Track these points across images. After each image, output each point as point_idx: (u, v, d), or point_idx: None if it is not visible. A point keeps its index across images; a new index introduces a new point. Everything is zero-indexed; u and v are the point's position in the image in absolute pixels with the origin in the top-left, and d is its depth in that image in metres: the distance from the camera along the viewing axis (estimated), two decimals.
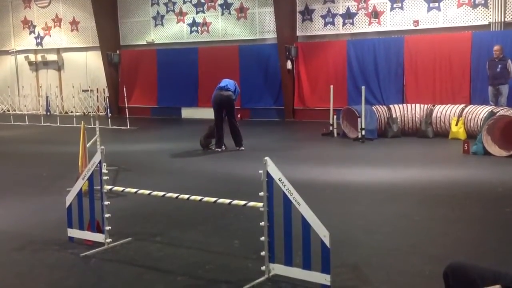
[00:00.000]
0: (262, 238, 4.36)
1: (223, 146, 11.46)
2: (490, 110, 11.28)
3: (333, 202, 7.00)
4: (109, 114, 17.37)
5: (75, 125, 15.80)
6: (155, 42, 20.36)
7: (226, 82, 11.63)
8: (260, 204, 4.37)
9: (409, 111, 13.05)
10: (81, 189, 5.37)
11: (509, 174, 8.37)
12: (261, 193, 4.34)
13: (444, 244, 5.21)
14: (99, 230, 5.25)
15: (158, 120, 19.21)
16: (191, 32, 19.64)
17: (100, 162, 5.17)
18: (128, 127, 16.20)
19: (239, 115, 18.25)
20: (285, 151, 11.20)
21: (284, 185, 4.25)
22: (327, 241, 4.06)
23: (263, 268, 4.37)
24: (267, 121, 17.40)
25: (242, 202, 4.56)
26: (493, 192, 7.29)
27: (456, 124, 12.08)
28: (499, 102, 12.84)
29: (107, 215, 5.18)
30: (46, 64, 23.28)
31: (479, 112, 11.75)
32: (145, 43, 20.57)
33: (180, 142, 13.28)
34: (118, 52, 20.76)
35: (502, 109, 11.06)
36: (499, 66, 12.92)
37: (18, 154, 12.07)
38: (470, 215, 6.33)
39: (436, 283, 2.83)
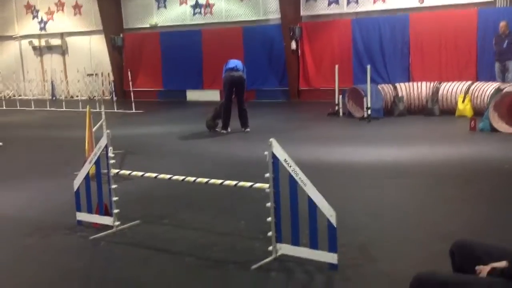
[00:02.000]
0: (269, 219, 4.38)
1: (228, 129, 11.43)
2: (497, 86, 11.21)
3: (339, 181, 7.01)
4: (115, 98, 17.37)
5: (81, 110, 15.82)
6: (159, 25, 20.26)
7: (234, 63, 11.53)
8: (266, 185, 4.39)
9: (415, 89, 12.99)
10: (88, 173, 5.39)
11: None
12: (267, 175, 4.35)
13: (451, 222, 5.21)
14: (107, 213, 5.29)
15: (164, 103, 19.21)
16: (194, 14, 19.52)
17: (106, 146, 5.19)
18: (134, 111, 16.22)
19: (244, 97, 18.28)
20: (290, 132, 11.18)
21: (290, 166, 4.26)
22: (333, 221, 4.08)
23: (270, 248, 4.40)
24: (273, 102, 17.36)
25: (248, 184, 4.57)
26: (500, 169, 7.28)
27: (463, 101, 12.02)
28: (506, 78, 12.74)
29: (114, 198, 5.21)
30: (50, 48, 23.26)
31: (486, 88, 11.68)
32: (148, 26, 20.48)
33: (186, 124, 13.29)
34: (121, 35, 20.69)
35: (509, 85, 10.99)
36: (506, 42, 12.81)
37: (25, 139, 12.12)
38: (477, 192, 6.32)
39: (443, 260, 2.84)
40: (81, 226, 5.41)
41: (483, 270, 2.43)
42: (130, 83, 17.39)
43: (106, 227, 5.25)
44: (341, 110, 13.29)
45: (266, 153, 4.34)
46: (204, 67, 19.14)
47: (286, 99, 17.72)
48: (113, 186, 5.21)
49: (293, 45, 17.23)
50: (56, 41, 22.89)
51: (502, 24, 12.89)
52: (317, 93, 16.87)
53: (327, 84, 15.85)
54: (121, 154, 8.95)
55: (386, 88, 13.08)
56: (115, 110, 16.05)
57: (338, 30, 16.57)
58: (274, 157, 4.32)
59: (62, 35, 22.81)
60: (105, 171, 5.31)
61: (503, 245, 2.70)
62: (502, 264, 2.44)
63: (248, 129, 11.50)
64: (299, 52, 17.40)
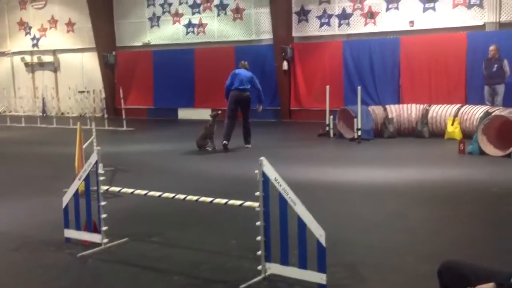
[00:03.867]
0: (259, 238, 4.37)
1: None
2: (486, 110, 11.32)
3: (329, 202, 7.02)
4: (106, 115, 17.36)
5: (71, 126, 15.79)
6: (151, 43, 20.36)
7: (242, 78, 11.54)
8: (256, 204, 4.39)
9: (405, 111, 13.09)
10: (77, 189, 5.37)
11: (504, 174, 8.41)
12: (257, 193, 4.36)
13: (439, 243, 5.23)
14: (96, 230, 5.26)
15: (155, 121, 19.21)
16: (187, 33, 19.66)
17: (96, 163, 5.18)
18: (125, 128, 16.20)
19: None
20: (281, 152, 11.20)
21: (280, 185, 4.27)
22: (322, 241, 4.08)
23: (259, 267, 4.38)
24: (264, 122, 17.35)
25: (238, 202, 4.57)
26: (488, 192, 7.32)
27: (452, 124, 12.13)
28: (495, 101, 12.89)
29: (103, 216, 5.18)
30: (42, 65, 23.27)
31: (475, 112, 11.80)
32: (141, 44, 20.57)
33: (177, 143, 13.28)
34: (114, 53, 20.76)
35: (497, 109, 11.11)
36: (495, 66, 12.98)
37: (15, 155, 12.06)
38: (465, 214, 6.36)
39: (431, 281, 2.86)
40: (69, 243, 5.37)
41: None
42: (122, 100, 17.40)
43: (94, 244, 5.21)
44: (331, 131, 13.35)
45: (256, 171, 4.35)
46: (196, 86, 19.23)
47: (278, 119, 17.79)
48: (102, 203, 5.19)
49: (285, 65, 17.37)
50: (48, 58, 22.93)
51: (492, 48, 13.08)
52: (308, 114, 16.96)
53: (318, 105, 15.93)
54: (111, 171, 8.92)
55: (376, 110, 13.18)
56: (106, 128, 16.02)
57: (330, 51, 16.74)
58: (264, 176, 4.33)
59: (54, 52, 22.85)
60: (95, 188, 5.29)
61: (490, 266, 2.71)
62: (489, 286, 2.45)
63: (249, 146, 11.71)
64: (291, 72, 17.52)
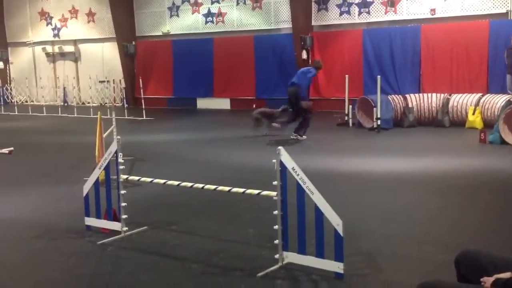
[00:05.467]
0: (276, 227, 4.40)
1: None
2: (507, 99, 11.16)
3: (348, 191, 7.01)
4: (126, 105, 17.50)
5: (92, 116, 15.96)
6: (171, 33, 20.42)
7: (296, 75, 11.70)
8: (274, 193, 4.41)
9: (425, 101, 12.98)
10: (97, 178, 5.44)
11: None
12: (275, 182, 4.38)
13: (458, 233, 5.20)
14: (116, 218, 5.33)
15: (174, 110, 19.30)
16: (207, 22, 19.66)
17: (116, 152, 5.24)
18: (144, 118, 16.32)
19: (254, 105, 18.34)
20: (300, 141, 11.20)
21: (298, 175, 4.28)
22: (340, 230, 4.09)
23: (276, 256, 4.41)
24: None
25: (256, 191, 4.60)
26: (508, 182, 7.24)
27: (473, 113, 11.98)
28: None
29: (123, 204, 5.25)
30: (63, 55, 23.49)
31: (497, 101, 11.65)
32: (160, 34, 20.64)
33: (196, 132, 13.36)
34: (134, 43, 20.86)
35: None
36: None
37: (36, 144, 12.24)
38: (485, 204, 6.30)
39: (448, 271, 2.85)
40: (90, 231, 5.45)
41: (487, 281, 2.43)
42: (141, 90, 17.52)
43: (114, 232, 5.29)
44: (350, 120, 13.29)
45: (274, 161, 4.37)
46: (215, 76, 19.25)
47: None
48: (122, 192, 5.26)
49: (304, 54, 17.28)
50: (69, 48, 23.13)
51: None
52: (327, 103, 16.87)
53: (338, 94, 15.86)
54: (130, 161, 9.01)
55: (396, 99, 13.07)
56: (126, 117, 16.16)
57: (349, 40, 16.61)
58: (282, 165, 4.34)
59: (75, 42, 23.05)
60: (115, 177, 5.36)
61: (508, 256, 2.69)
62: (507, 275, 2.44)
63: (294, 137, 11.52)
64: (310, 61, 17.42)
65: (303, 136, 11.47)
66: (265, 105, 18.20)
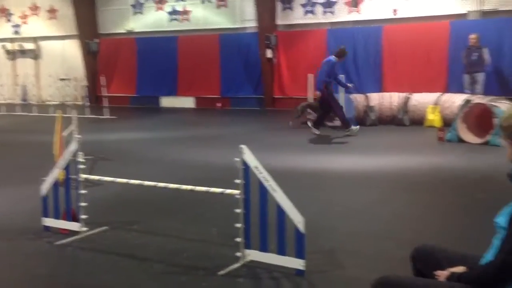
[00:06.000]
0: (238, 225, 4.40)
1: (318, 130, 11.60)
2: (466, 98, 11.42)
3: (311, 189, 7.06)
4: (87, 103, 17.22)
5: (52, 115, 15.62)
6: (135, 31, 20.18)
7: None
8: (237, 192, 4.41)
9: (386, 100, 13.16)
10: (57, 178, 5.33)
11: (482, 161, 8.51)
12: (238, 181, 4.37)
13: (417, 229, 5.30)
14: (75, 219, 5.24)
15: (137, 109, 19.10)
16: (171, 20, 19.51)
17: (76, 151, 5.15)
18: (107, 116, 16.09)
19: (219, 104, 18.31)
20: (264, 140, 11.22)
21: (260, 173, 4.28)
22: (301, 227, 4.12)
23: (238, 254, 4.41)
24: (247, 110, 17.41)
25: (219, 190, 4.59)
26: (466, 178, 7.42)
27: (433, 112, 12.23)
28: (475, 90, 13.01)
29: (83, 204, 5.16)
30: (23, 52, 22.94)
31: (455, 100, 11.91)
32: (124, 31, 20.38)
33: (159, 131, 13.24)
34: (96, 40, 20.54)
35: (477, 97, 11.22)
36: (475, 54, 13.10)
37: None
38: (443, 201, 6.44)
39: (406, 266, 2.89)
40: (48, 231, 5.34)
41: (442, 275, 2.49)
42: (104, 88, 17.26)
43: (73, 233, 5.19)
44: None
45: (237, 159, 4.36)
46: (179, 74, 19.13)
47: (261, 107, 17.78)
48: (82, 192, 5.17)
49: (269, 53, 17.33)
50: (29, 45, 22.61)
51: (473, 36, 13.19)
52: (291, 102, 16.92)
53: (302, 93, 15.94)
54: (92, 160, 8.85)
55: (358, 98, 13.22)
56: (88, 116, 15.90)
57: (314, 40, 16.73)
58: (244, 163, 4.35)
59: (35, 39, 22.53)
60: (75, 176, 5.26)
61: (462, 251, 2.76)
62: (460, 269, 2.49)
63: (311, 127, 11.64)
64: (275, 60, 17.50)
65: (317, 131, 11.50)
66: (229, 104, 18.28)
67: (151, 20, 19.85)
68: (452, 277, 2.44)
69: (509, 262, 2.23)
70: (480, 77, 13.10)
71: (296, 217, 4.14)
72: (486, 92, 12.88)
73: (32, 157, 9.82)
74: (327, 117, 11.89)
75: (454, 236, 5.08)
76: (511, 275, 2.24)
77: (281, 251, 4.23)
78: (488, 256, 2.39)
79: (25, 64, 22.98)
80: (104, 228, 5.39)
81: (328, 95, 11.27)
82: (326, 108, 11.47)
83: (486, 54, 13.05)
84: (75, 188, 5.23)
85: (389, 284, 2.46)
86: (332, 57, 11.55)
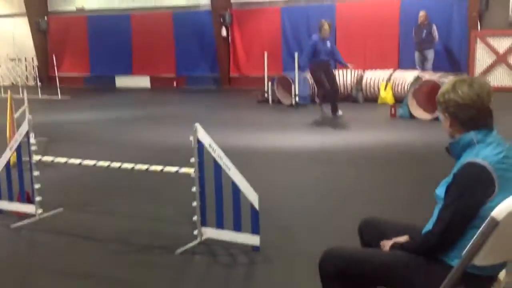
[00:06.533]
0: (195, 203, 4.46)
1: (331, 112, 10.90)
2: (416, 75, 11.74)
3: (266, 167, 7.18)
4: (39, 84, 16.80)
5: (2, 95, 15.20)
6: (85, 9, 19.69)
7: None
8: (191, 170, 4.46)
9: (340, 77, 13.35)
10: (9, 160, 5.26)
11: (431, 136, 8.79)
12: (192, 159, 4.42)
13: (368, 203, 5.48)
14: (30, 201, 5.20)
15: (92, 89, 18.74)
16: None
17: (28, 132, 5.08)
18: (60, 97, 15.75)
19: (174, 83, 18.17)
20: (220, 118, 11.26)
21: (214, 151, 4.34)
22: (256, 204, 4.21)
23: (195, 232, 4.48)
24: (204, 89, 17.35)
25: (174, 169, 4.62)
26: (415, 153, 7.69)
27: (385, 89, 12.51)
28: (425, 66, 13.37)
29: (37, 186, 5.12)
30: None
31: (406, 77, 12.21)
32: (74, 9, 19.86)
33: (114, 111, 13.08)
34: (46, 18, 19.95)
35: (427, 74, 11.54)
36: (424, 31, 13.42)
37: None
38: (393, 175, 6.66)
39: (354, 238, 3.03)
40: (2, 214, 5.28)
41: (386, 244, 2.63)
42: (55, 68, 16.85)
43: (28, 215, 5.15)
44: (270, 97, 13.49)
45: (191, 138, 4.41)
46: (134, 53, 18.84)
47: (217, 86, 17.75)
48: (35, 174, 5.12)
49: (224, 31, 17.25)
50: None
51: (421, 14, 13.49)
52: (247, 80, 17.00)
53: (257, 72, 15.98)
54: (45, 142, 8.70)
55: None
56: (40, 97, 15.53)
57: (268, 18, 16.74)
58: (199, 142, 4.40)
59: None
60: (27, 158, 5.20)
61: (408, 222, 2.90)
62: (404, 239, 2.64)
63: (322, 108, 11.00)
64: (230, 39, 17.44)
65: (324, 110, 10.96)
66: (185, 83, 18.16)
67: None
68: (395, 246, 2.58)
69: (446, 230, 2.37)
70: (430, 54, 13.45)
71: (251, 195, 4.23)
72: (436, 68, 13.26)
73: None
74: (330, 94, 10.85)
75: (403, 208, 5.29)
76: (448, 242, 2.39)
77: (237, 228, 4.32)
78: (429, 225, 2.53)
79: None
80: (59, 210, 5.36)
81: (312, 74, 10.90)
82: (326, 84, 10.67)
83: (435, 32, 13.39)
84: (29, 170, 5.18)
85: (332, 254, 2.58)
86: (314, 35, 10.72)
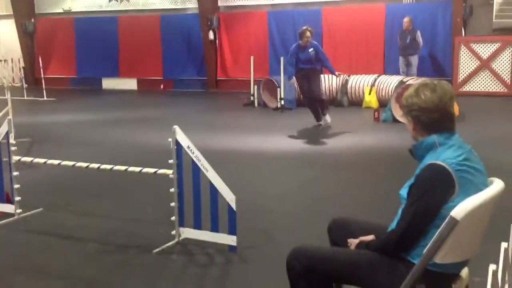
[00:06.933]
0: (173, 204, 4.50)
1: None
2: (400, 79, 11.86)
3: (248, 169, 7.23)
4: (25, 85, 16.74)
5: None
6: (72, 11, 19.66)
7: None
8: (170, 171, 4.50)
9: (326, 81, 13.44)
10: None
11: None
12: (171, 161, 4.47)
13: (346, 205, 5.54)
14: (9, 201, 5.21)
15: (78, 91, 18.71)
16: (110, 0, 19.10)
17: (7, 133, 5.10)
18: (45, 98, 15.71)
19: (162, 86, 18.19)
20: (206, 121, 11.32)
21: (193, 153, 4.39)
22: (233, 205, 4.26)
23: (173, 232, 4.52)
24: (191, 92, 17.38)
25: (152, 170, 4.67)
26: (397, 157, 7.76)
27: (369, 93, 12.62)
28: (409, 72, 13.50)
29: (16, 186, 5.13)
30: None
31: (391, 81, 12.33)
32: (61, 11, 19.82)
33: (99, 113, 13.08)
34: (33, 20, 19.90)
35: (411, 79, 11.66)
36: (409, 37, 13.56)
37: None
38: (376, 178, 6.72)
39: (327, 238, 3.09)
40: None
41: (353, 243, 2.69)
42: (41, 70, 16.81)
43: (7, 215, 5.16)
44: (256, 101, 13.55)
45: (170, 139, 4.46)
46: (121, 55, 18.83)
47: (204, 89, 17.78)
48: (15, 174, 5.13)
49: (211, 35, 17.30)
50: None
51: (406, 20, 13.63)
52: (234, 84, 17.05)
53: (244, 75, 16.06)
54: (28, 142, 8.72)
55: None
56: (25, 98, 15.49)
57: (255, 22, 16.82)
58: (177, 144, 4.45)
59: None
60: (6, 159, 5.21)
61: (376, 221, 2.97)
62: (370, 238, 2.70)
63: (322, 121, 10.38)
64: (217, 42, 17.50)
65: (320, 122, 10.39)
66: (173, 86, 18.17)
67: (90, 0, 19.38)
68: (361, 245, 2.64)
69: (408, 229, 2.44)
70: (414, 60, 13.59)
71: (228, 195, 4.28)
72: (421, 73, 13.41)
73: None
74: (306, 102, 10.56)
75: (379, 209, 5.33)
76: (410, 241, 2.45)
77: (214, 228, 4.37)
78: (393, 225, 2.60)
79: None
80: (39, 210, 5.38)
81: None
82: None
83: (419, 37, 13.54)
84: (9, 171, 5.19)
85: (298, 252, 2.64)
86: (294, 44, 10.22)
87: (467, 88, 14.04)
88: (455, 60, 14.16)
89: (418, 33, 13.51)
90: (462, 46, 14.11)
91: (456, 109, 10.47)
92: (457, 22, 14.30)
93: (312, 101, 10.30)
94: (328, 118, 10.37)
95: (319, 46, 10.40)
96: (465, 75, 14.10)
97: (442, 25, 14.61)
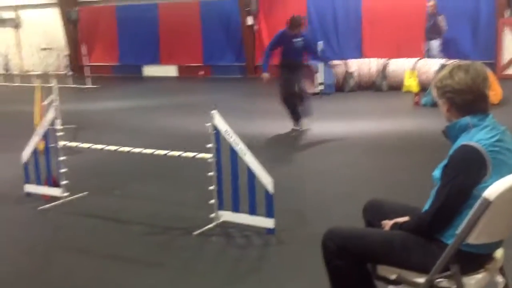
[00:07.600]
0: (211, 187, 4.62)
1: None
2: (442, 63, 11.65)
3: (284, 152, 7.31)
4: (70, 73, 17.19)
5: (34, 85, 15.60)
6: None
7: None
8: (209, 155, 4.62)
9: (365, 66, 13.33)
10: (36, 146, 5.50)
11: None
12: (209, 145, 4.58)
13: (383, 189, 5.54)
14: (56, 185, 5.43)
15: (120, 78, 19.07)
16: None
17: (54, 119, 5.31)
18: (89, 86, 16.11)
19: (202, 72, 18.36)
20: (244, 107, 11.41)
21: (231, 137, 4.49)
22: (270, 188, 4.35)
23: (212, 215, 4.64)
24: (229, 78, 17.48)
25: (192, 154, 4.79)
26: (435, 141, 7.64)
27: (410, 77, 12.44)
28: (429, 55, 13.27)
29: (63, 170, 5.35)
30: (3, 22, 22.61)
31: (432, 65, 12.12)
32: None
33: (141, 100, 13.34)
34: (76, 9, 20.33)
35: (452, 62, 11.42)
36: (432, 21, 13.32)
37: None
38: (413, 162, 6.67)
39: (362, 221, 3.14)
40: (30, 197, 5.53)
41: (387, 224, 2.73)
42: (85, 57, 17.21)
43: (54, 198, 5.39)
44: None
45: (208, 124, 4.56)
46: (161, 42, 19.07)
47: (243, 75, 17.86)
48: (61, 158, 5.35)
49: (249, 20, 17.32)
50: (9, 14, 22.27)
51: (430, 3, 13.42)
52: (274, 69, 16.98)
53: None
54: (73, 129, 8.98)
55: (337, 65, 13.37)
56: (70, 85, 15.91)
57: (294, 5, 16.70)
58: (215, 128, 4.55)
59: (15, 8, 22.22)
60: (53, 144, 5.42)
61: (410, 204, 2.99)
62: (404, 219, 2.74)
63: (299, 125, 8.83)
64: (256, 27, 17.50)
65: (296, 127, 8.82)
66: (212, 72, 18.32)
67: None
68: (395, 226, 2.69)
69: (441, 210, 2.46)
70: (433, 44, 13.36)
71: (265, 179, 4.37)
72: (462, 56, 12.99)
73: (14, 126, 9.92)
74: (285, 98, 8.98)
75: (415, 192, 5.30)
76: (443, 221, 2.48)
77: (252, 211, 4.47)
78: (427, 206, 2.62)
79: (5, 34, 22.71)
80: (84, 193, 5.59)
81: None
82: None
83: (441, 22, 13.25)
84: (56, 155, 5.41)
85: (332, 233, 2.70)
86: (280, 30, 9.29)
87: (511, 71, 13.68)
88: (499, 42, 13.78)
89: (441, 17, 13.23)
90: (506, 28, 13.70)
91: (498, 92, 10.31)
92: (501, 3, 13.88)
93: (293, 99, 8.80)
94: (307, 122, 8.87)
95: (309, 37, 9.58)
96: (508, 57, 13.70)
97: (486, 6, 14.19)
